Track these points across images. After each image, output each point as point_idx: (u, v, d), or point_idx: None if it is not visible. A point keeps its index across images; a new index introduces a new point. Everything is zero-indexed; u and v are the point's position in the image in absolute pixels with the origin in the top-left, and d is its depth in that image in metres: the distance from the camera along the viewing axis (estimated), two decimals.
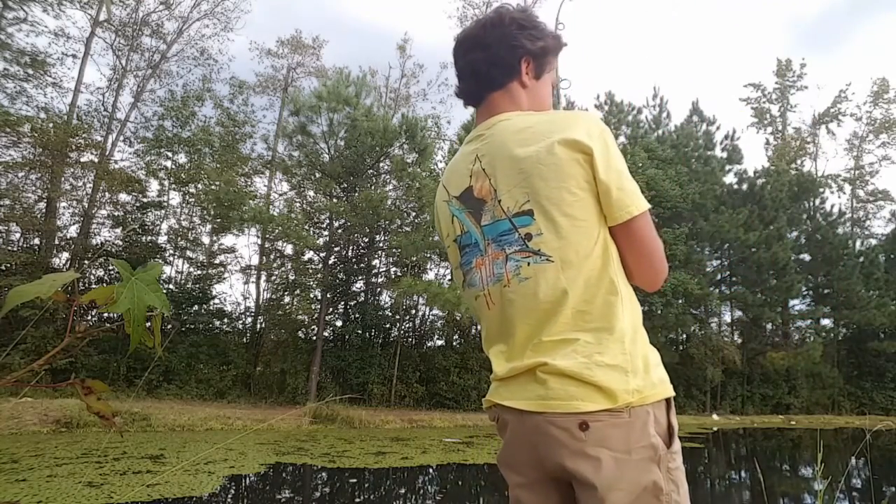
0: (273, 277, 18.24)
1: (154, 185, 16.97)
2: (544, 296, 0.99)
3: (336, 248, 16.97)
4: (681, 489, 0.95)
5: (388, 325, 17.59)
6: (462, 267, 1.15)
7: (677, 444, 0.99)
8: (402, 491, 6.35)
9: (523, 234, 1.02)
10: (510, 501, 1.09)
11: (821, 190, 25.20)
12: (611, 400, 0.92)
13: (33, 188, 14.44)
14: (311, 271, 16.95)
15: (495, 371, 1.08)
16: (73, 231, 15.43)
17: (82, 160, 14.69)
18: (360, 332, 16.67)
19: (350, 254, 17.85)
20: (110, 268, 14.91)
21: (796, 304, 23.34)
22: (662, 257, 1.06)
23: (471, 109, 1.24)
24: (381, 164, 16.18)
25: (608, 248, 1.01)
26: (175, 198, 17.64)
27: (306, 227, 15.70)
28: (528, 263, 1.02)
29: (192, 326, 15.70)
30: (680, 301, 18.29)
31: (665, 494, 0.93)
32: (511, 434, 1.04)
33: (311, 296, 16.97)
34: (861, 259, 23.38)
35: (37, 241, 14.61)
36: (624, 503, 0.91)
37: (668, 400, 0.99)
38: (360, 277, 18.00)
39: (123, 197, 16.00)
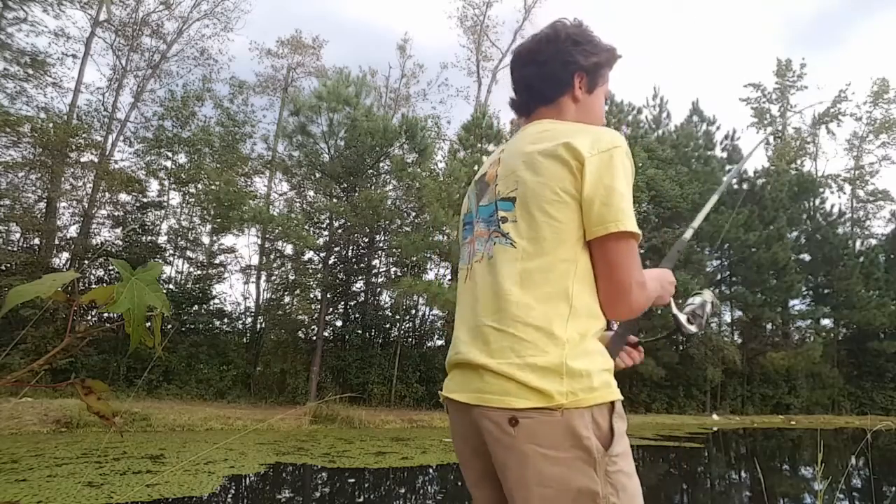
0: (273, 277, 18.23)
1: (154, 185, 16.99)
2: (499, 277, 1.03)
3: (336, 248, 16.96)
4: (622, 492, 0.94)
5: (388, 325, 17.58)
6: (461, 242, 1.23)
7: (620, 447, 0.96)
8: (402, 491, 6.35)
9: (500, 217, 1.07)
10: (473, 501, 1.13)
11: (821, 190, 25.22)
12: (544, 399, 0.93)
13: (33, 188, 14.44)
14: (311, 271, 16.95)
15: (448, 358, 1.12)
16: (73, 231, 15.45)
17: (82, 160, 14.69)
18: (360, 332, 16.66)
19: (350, 254, 17.84)
20: (110, 268, 14.91)
21: (796, 304, 23.34)
22: (631, 291, 1.01)
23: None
24: (381, 164, 16.17)
25: (578, 261, 1.01)
26: (175, 198, 17.66)
27: (306, 227, 15.69)
28: (495, 243, 1.06)
29: (192, 326, 15.69)
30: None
31: (602, 498, 0.92)
32: (454, 426, 1.10)
33: (311, 296, 16.97)
34: (861, 259, 23.37)
35: (37, 241, 14.60)
36: (554, 502, 0.91)
37: (612, 403, 0.98)
38: (360, 277, 17.99)
39: (123, 197, 16.00)
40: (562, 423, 0.93)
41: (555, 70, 1.15)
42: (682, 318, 1.28)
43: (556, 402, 0.92)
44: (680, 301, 1.31)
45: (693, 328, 1.28)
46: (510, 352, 0.97)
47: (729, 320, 23.28)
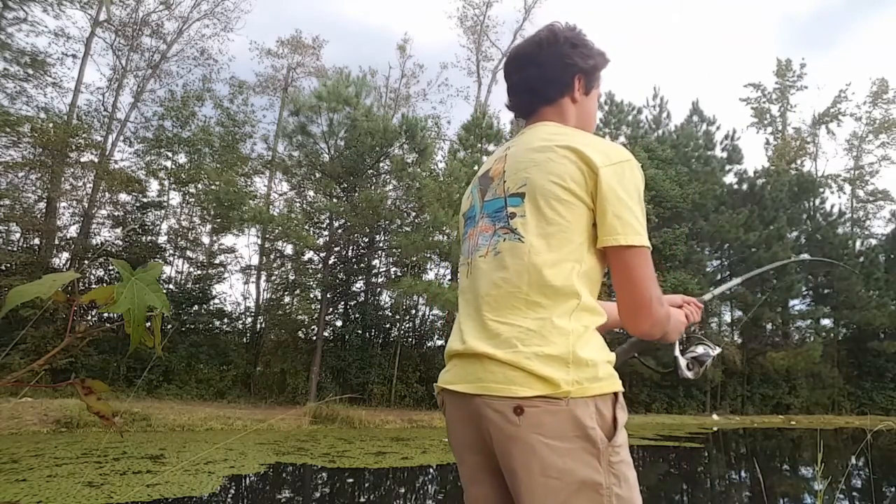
0: (273, 277, 18.23)
1: (154, 185, 17.01)
2: (506, 273, 1.03)
3: (336, 248, 16.96)
4: (624, 483, 0.95)
5: (388, 325, 17.58)
6: (461, 238, 1.24)
7: (621, 438, 0.97)
8: (402, 491, 6.35)
9: (509, 213, 1.07)
10: (465, 498, 1.11)
11: (821, 190, 25.20)
12: (549, 387, 0.93)
13: (33, 188, 14.45)
14: (311, 271, 16.95)
15: (448, 348, 1.11)
16: (73, 231, 15.45)
17: (82, 160, 14.70)
18: (360, 332, 16.66)
19: (350, 254, 17.84)
20: (110, 268, 14.90)
21: (796, 304, 23.33)
22: (645, 302, 1.02)
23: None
24: (381, 164, 16.17)
25: (584, 260, 1.03)
26: (175, 198, 17.67)
27: (306, 227, 15.69)
28: (504, 239, 1.07)
29: (192, 326, 15.69)
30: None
31: (605, 488, 0.93)
32: (451, 416, 1.08)
33: (311, 296, 16.97)
34: (861, 259, 23.36)
35: (37, 241, 14.60)
36: (559, 494, 0.91)
37: (615, 394, 0.99)
38: (360, 277, 17.99)
39: (123, 197, 16.01)
40: (567, 412, 0.93)
41: (556, 72, 1.17)
42: (683, 362, 1.28)
43: (562, 390, 0.93)
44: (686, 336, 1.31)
45: (690, 374, 1.28)
46: (516, 342, 0.97)
47: (729, 320, 23.29)
